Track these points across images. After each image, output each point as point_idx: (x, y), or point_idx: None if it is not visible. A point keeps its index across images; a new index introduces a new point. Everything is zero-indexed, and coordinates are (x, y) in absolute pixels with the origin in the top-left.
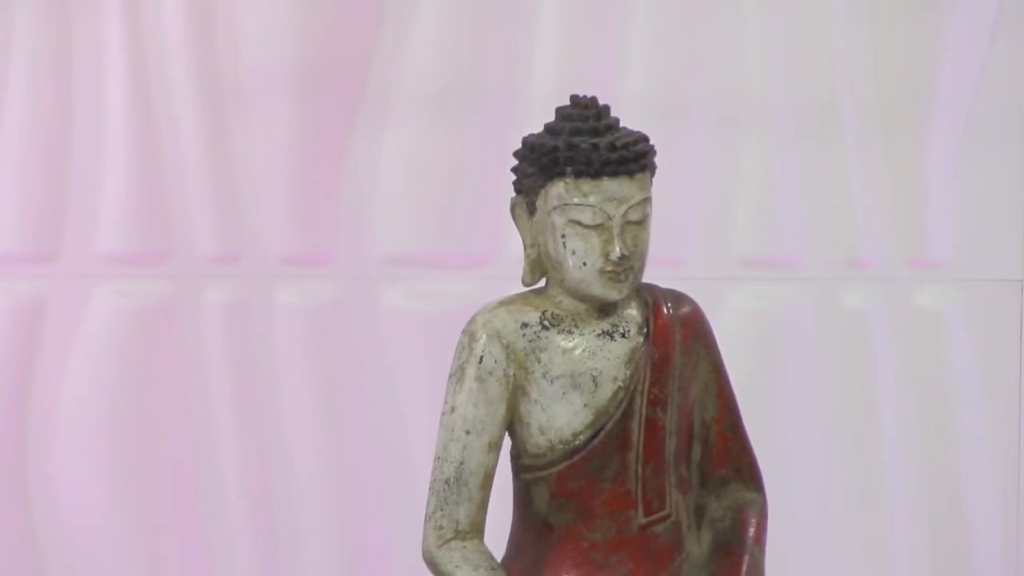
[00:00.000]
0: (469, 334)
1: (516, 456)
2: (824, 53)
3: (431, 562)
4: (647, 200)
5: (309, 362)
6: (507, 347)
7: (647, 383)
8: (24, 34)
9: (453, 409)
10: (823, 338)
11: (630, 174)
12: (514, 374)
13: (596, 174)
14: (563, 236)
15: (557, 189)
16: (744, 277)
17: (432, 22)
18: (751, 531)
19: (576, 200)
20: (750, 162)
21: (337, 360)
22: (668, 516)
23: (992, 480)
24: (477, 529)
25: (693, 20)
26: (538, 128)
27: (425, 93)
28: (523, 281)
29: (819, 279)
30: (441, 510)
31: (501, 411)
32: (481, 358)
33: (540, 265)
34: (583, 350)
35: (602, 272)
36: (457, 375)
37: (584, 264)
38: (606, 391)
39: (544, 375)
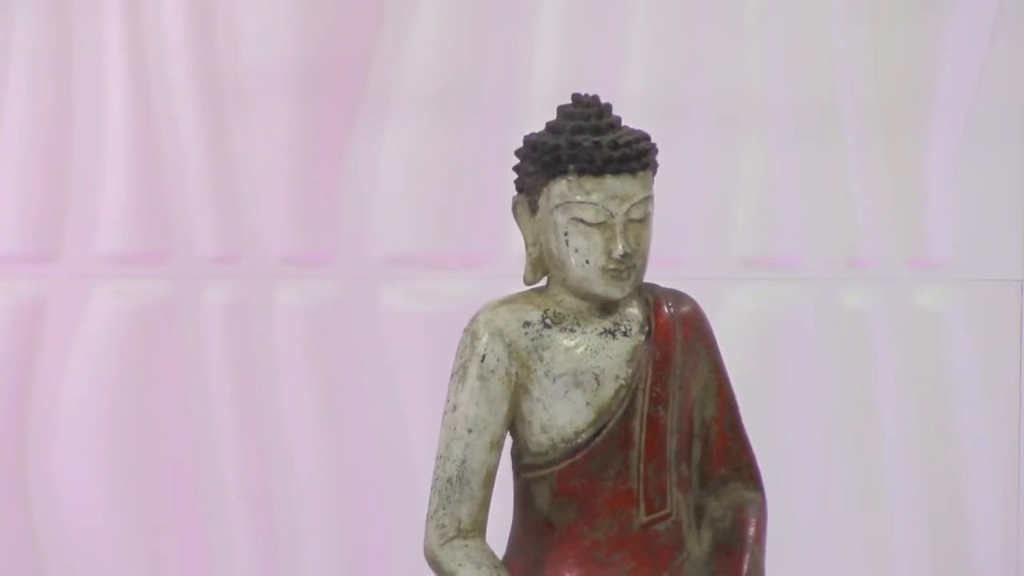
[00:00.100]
0: (471, 333)
1: (518, 455)
2: (824, 53)
3: (433, 561)
4: (649, 198)
5: (309, 362)
6: (509, 345)
7: (649, 381)
8: (24, 34)
9: (455, 408)
10: (823, 338)
11: (632, 172)
12: (516, 373)
13: (599, 172)
14: (566, 234)
15: (560, 187)
16: (744, 277)
17: (432, 22)
18: (751, 530)
19: (579, 198)
20: (750, 162)
21: (337, 360)
22: (669, 515)
23: (992, 480)
24: (479, 528)
25: (693, 20)
26: (538, 128)
27: (425, 93)
28: (525, 280)
29: (819, 279)
30: (443, 509)
31: (503, 410)
32: (483, 356)
33: (542, 264)
34: (585, 348)
35: (605, 270)
36: (459, 374)
37: (587, 262)
38: (608, 389)
39: (546, 374)
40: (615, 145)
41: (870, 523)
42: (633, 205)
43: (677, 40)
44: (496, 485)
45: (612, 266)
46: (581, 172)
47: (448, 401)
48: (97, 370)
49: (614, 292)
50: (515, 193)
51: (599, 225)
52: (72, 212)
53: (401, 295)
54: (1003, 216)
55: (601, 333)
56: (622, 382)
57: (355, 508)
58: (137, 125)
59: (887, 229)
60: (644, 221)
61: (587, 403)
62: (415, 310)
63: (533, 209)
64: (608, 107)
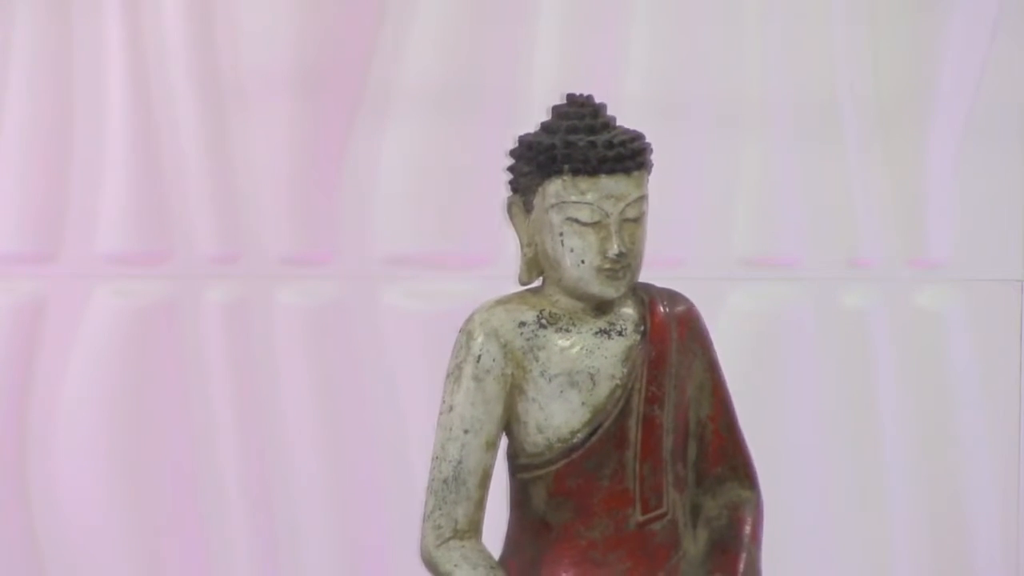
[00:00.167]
0: (466, 333)
1: (513, 455)
2: (824, 53)
3: (429, 562)
4: (644, 198)
5: (309, 362)
6: (504, 346)
7: (644, 381)
8: (24, 34)
9: (451, 408)
10: (823, 338)
11: (627, 172)
12: (512, 373)
13: (593, 171)
14: (560, 234)
15: (554, 187)
16: (744, 277)
17: (432, 22)
18: (747, 529)
19: (574, 198)
20: (750, 162)
21: (337, 360)
22: (665, 514)
23: (992, 480)
24: (475, 528)
25: (693, 20)
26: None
27: (425, 93)
28: (519, 280)
29: (819, 279)
30: (439, 510)
31: (499, 410)
32: (479, 357)
33: (536, 264)
34: (580, 348)
35: (600, 270)
36: (454, 374)
37: (582, 262)
38: (604, 389)
39: (542, 374)
40: (610, 145)
41: (870, 523)
42: (628, 205)
43: (677, 40)
44: (492, 485)
45: (607, 266)
46: (576, 172)
47: (444, 402)
48: (97, 370)
49: (609, 292)
50: (509, 193)
51: (594, 225)
52: (72, 212)
53: (401, 295)
54: (1003, 216)
55: (596, 333)
56: (617, 382)
57: (355, 508)
58: (137, 125)
59: (887, 229)
60: (639, 221)
61: (582, 403)
62: (415, 310)
63: (528, 209)
64: (603, 107)
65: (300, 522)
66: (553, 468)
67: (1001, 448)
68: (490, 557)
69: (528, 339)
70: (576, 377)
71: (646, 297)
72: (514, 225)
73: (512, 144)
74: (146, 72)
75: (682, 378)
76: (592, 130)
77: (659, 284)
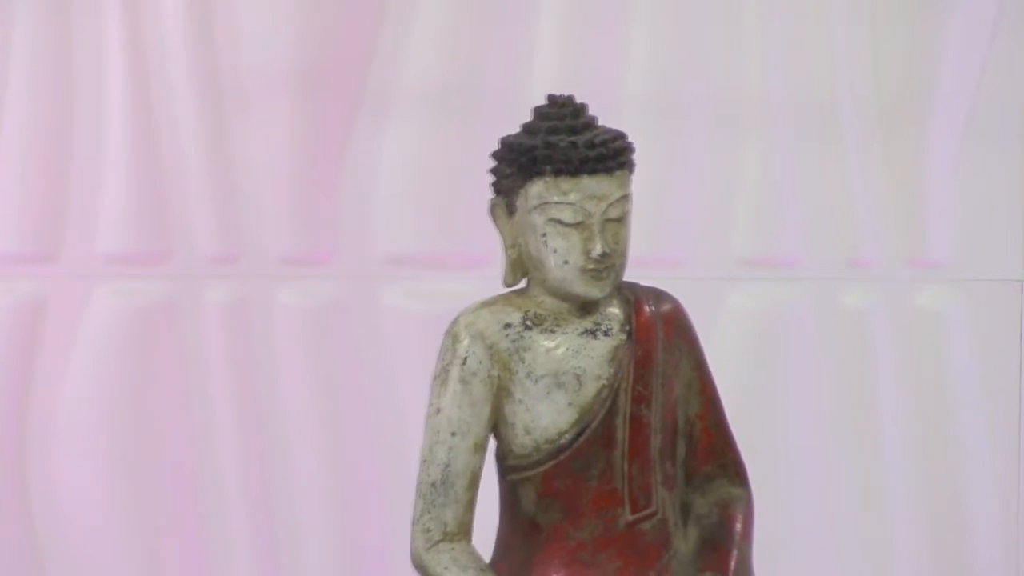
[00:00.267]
0: (452, 336)
1: (502, 457)
2: (824, 53)
3: (420, 565)
4: (627, 197)
5: (309, 362)
6: (490, 348)
7: (631, 380)
8: (24, 34)
9: (438, 411)
10: (823, 338)
11: (609, 171)
12: (498, 375)
13: (575, 172)
14: (544, 235)
15: (536, 188)
16: (744, 277)
17: (432, 22)
18: (738, 526)
19: (556, 198)
20: (750, 162)
21: (337, 360)
22: (655, 513)
23: (992, 480)
24: (465, 531)
25: (693, 20)
26: None
27: (425, 93)
28: (504, 282)
29: (819, 279)
30: (428, 513)
31: (486, 412)
32: (465, 359)
33: (521, 265)
34: (566, 349)
35: (583, 270)
36: (441, 377)
37: (566, 262)
38: (590, 389)
39: (528, 375)
40: (591, 144)
41: (870, 523)
42: (611, 204)
43: (677, 40)
44: (482, 487)
45: (591, 266)
46: (558, 172)
47: (431, 405)
48: (97, 370)
49: (593, 292)
50: (492, 195)
51: (577, 225)
52: (72, 212)
53: (401, 295)
54: (1003, 216)
55: (582, 333)
56: (604, 382)
57: (355, 508)
58: (137, 125)
59: (887, 229)
60: (622, 220)
61: (569, 403)
62: (415, 310)
63: (511, 211)
64: (584, 106)
65: (300, 522)
66: (541, 469)
67: (1001, 448)
68: (480, 559)
69: (514, 341)
70: (562, 378)
71: (631, 296)
72: (497, 227)
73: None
74: (146, 72)
75: (669, 377)
76: (573, 130)
77: (659, 284)
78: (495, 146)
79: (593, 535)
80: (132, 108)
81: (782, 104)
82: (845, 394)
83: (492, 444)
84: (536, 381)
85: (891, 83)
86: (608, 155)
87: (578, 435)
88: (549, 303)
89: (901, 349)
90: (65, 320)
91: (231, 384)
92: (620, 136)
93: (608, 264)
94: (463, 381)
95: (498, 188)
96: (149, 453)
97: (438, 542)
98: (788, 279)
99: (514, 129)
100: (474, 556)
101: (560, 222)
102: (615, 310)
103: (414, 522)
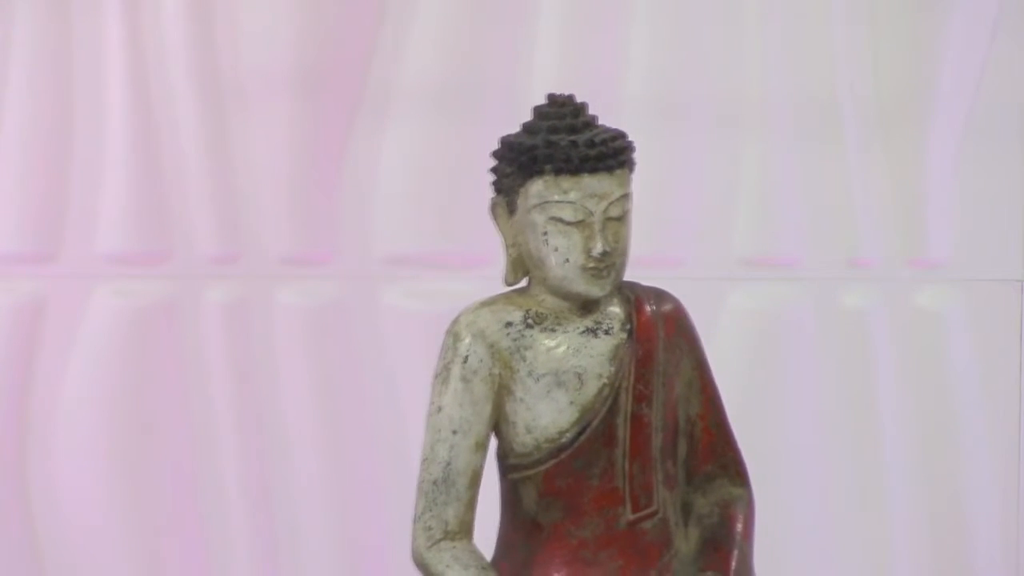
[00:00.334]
0: (453, 334)
1: (503, 456)
2: (824, 53)
3: (421, 564)
4: (627, 196)
5: (309, 362)
6: (491, 346)
7: (632, 379)
8: (24, 33)
9: (439, 409)
10: (823, 338)
11: (609, 170)
12: (499, 373)
13: (576, 171)
14: (544, 234)
15: (537, 187)
16: (744, 277)
17: (432, 22)
18: (739, 526)
19: (556, 197)
20: (750, 162)
21: (337, 360)
22: (656, 512)
23: (992, 480)
24: (466, 529)
25: (693, 20)
26: None
27: (425, 93)
28: (505, 281)
29: (819, 279)
30: (430, 511)
31: (487, 410)
32: (466, 358)
33: (522, 264)
34: (567, 348)
35: (584, 269)
36: (442, 375)
37: (566, 261)
38: (591, 388)
39: (529, 374)
40: (591, 143)
41: (870, 523)
42: (611, 203)
43: (677, 40)
44: (482, 486)
45: (591, 265)
46: (558, 171)
47: (432, 403)
48: (97, 370)
49: (594, 291)
50: (493, 194)
51: (577, 224)
52: (72, 212)
53: (401, 295)
54: (1003, 216)
55: (583, 332)
56: (605, 381)
57: (355, 508)
58: (137, 125)
59: (887, 229)
60: (623, 219)
61: (570, 402)
62: (415, 310)
63: (511, 210)
64: (584, 106)
65: (300, 522)
66: (542, 468)
67: (1001, 448)
68: (481, 558)
69: (515, 339)
70: (563, 377)
71: (632, 296)
72: (498, 226)
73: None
74: (146, 72)
75: (670, 376)
76: (573, 129)
77: (659, 284)
78: (495, 146)
79: (594, 534)
80: (132, 108)
81: (782, 104)
82: (845, 394)
83: (493, 443)
84: (537, 380)
85: (891, 83)
86: (608, 154)
87: (579, 434)
88: (550, 302)
89: (901, 349)
90: (65, 320)
91: (231, 384)
92: (620, 135)
93: (609, 263)
94: (464, 379)
95: (499, 187)
96: (149, 453)
97: (439, 540)
98: (788, 279)
99: (514, 129)
100: (475, 554)
101: (561, 221)
102: (616, 309)
103: (415, 520)
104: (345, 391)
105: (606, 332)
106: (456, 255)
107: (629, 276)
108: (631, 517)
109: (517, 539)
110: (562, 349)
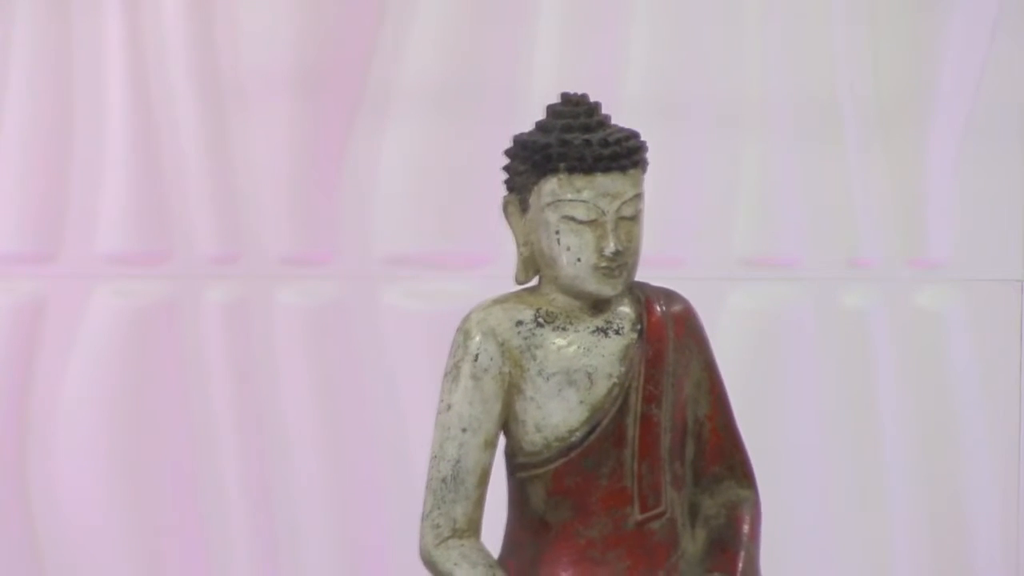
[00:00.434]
0: (464, 332)
1: (511, 454)
2: (824, 53)
3: (429, 561)
4: (640, 196)
5: (309, 362)
6: (502, 345)
7: (642, 379)
8: (24, 33)
9: (449, 407)
10: (823, 338)
11: (623, 170)
12: (509, 372)
13: (589, 170)
14: (557, 232)
15: (550, 186)
16: (744, 277)
17: (432, 22)
18: (746, 528)
19: (569, 196)
20: (750, 162)
21: (337, 360)
22: (664, 513)
23: (992, 480)
24: (474, 527)
25: (693, 20)
26: None
27: (425, 93)
28: (516, 279)
29: (819, 279)
30: (438, 509)
31: (497, 409)
32: (476, 356)
33: (533, 263)
34: (578, 347)
35: (596, 268)
36: (452, 373)
37: (578, 260)
38: (601, 388)
39: (539, 372)
40: (605, 143)
41: (870, 523)
42: (624, 203)
43: (677, 40)
44: (491, 485)
45: (604, 264)
46: (571, 170)
47: (442, 401)
48: (97, 370)
49: (606, 290)
50: (505, 193)
51: (590, 223)
52: (72, 212)
53: (401, 295)
54: (1003, 216)
55: (593, 331)
56: (615, 380)
57: (355, 508)
58: (137, 125)
59: (887, 229)
60: (635, 219)
61: (580, 401)
62: (415, 310)
63: (524, 208)
64: (597, 105)
65: (300, 522)
66: (551, 467)
67: (1001, 448)
68: (489, 556)
69: (525, 338)
70: (574, 376)
71: (642, 296)
72: (510, 224)
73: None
74: (146, 72)
75: (679, 377)
76: (587, 128)
77: (659, 284)
78: (495, 146)
79: (602, 534)
80: (132, 108)
81: (782, 104)
82: (845, 394)
83: (502, 441)
84: (547, 379)
85: (891, 83)
86: (622, 153)
87: (589, 433)
88: (561, 301)
89: (901, 349)
90: (65, 320)
91: (231, 384)
92: (634, 135)
93: (621, 262)
94: (474, 377)
95: (511, 185)
96: (149, 453)
97: (447, 538)
98: (788, 279)
99: (514, 129)
100: (483, 552)
101: (573, 219)
102: (626, 309)
103: (423, 518)
104: (345, 391)
105: (616, 332)
106: (456, 255)
107: None
108: (639, 517)
109: (524, 538)
110: (573, 348)
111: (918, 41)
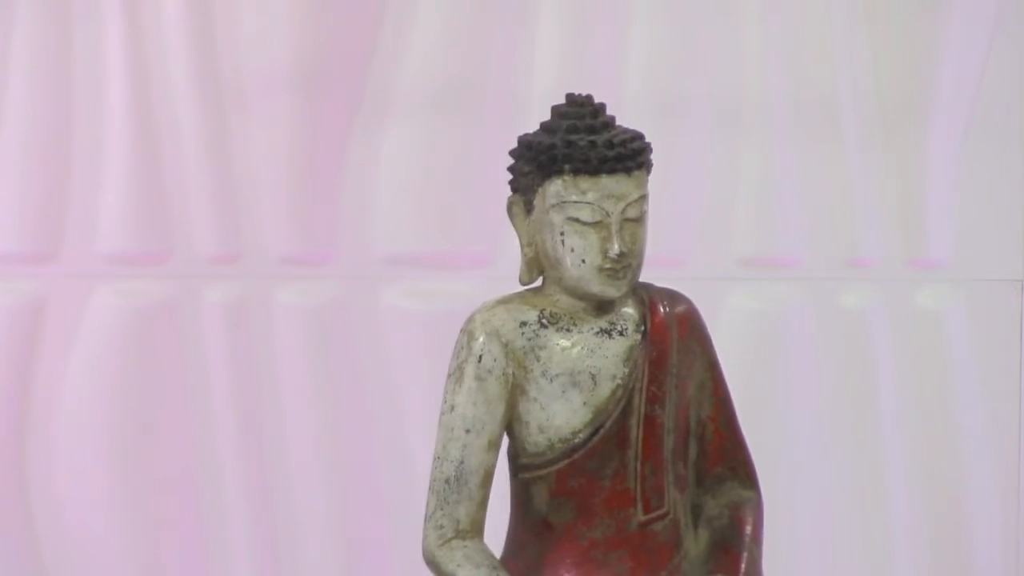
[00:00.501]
0: (468, 333)
1: (514, 455)
2: (824, 53)
3: (432, 562)
4: (644, 197)
5: (309, 362)
6: (506, 346)
7: (645, 381)
8: (24, 34)
9: (452, 408)
10: (823, 338)
11: (628, 171)
12: (513, 373)
13: (594, 171)
14: (562, 234)
15: (555, 187)
16: (744, 277)
17: (432, 22)
18: (748, 528)
19: (574, 197)
20: (750, 162)
21: (337, 360)
22: (667, 514)
23: (992, 480)
24: (477, 528)
25: (693, 20)
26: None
27: (425, 93)
28: (520, 280)
29: (819, 279)
30: (441, 509)
31: (501, 410)
32: (480, 357)
33: (537, 264)
34: (581, 348)
35: (601, 269)
36: (456, 374)
37: (583, 261)
38: (605, 389)
39: (543, 374)
40: (610, 144)
41: (870, 523)
42: (629, 204)
43: (677, 40)
44: (493, 485)
45: (608, 265)
46: (577, 172)
47: (445, 402)
48: (97, 370)
49: (610, 291)
50: (510, 193)
51: (595, 224)
52: (72, 212)
53: (401, 295)
54: (1003, 216)
55: (597, 333)
56: (619, 382)
57: (355, 508)
58: (137, 125)
59: (887, 229)
60: (640, 220)
61: (584, 403)
62: (415, 310)
63: (528, 209)
64: (602, 106)
65: (300, 522)
66: (555, 468)
67: (1001, 448)
68: (493, 557)
69: (529, 339)
70: (577, 377)
71: (646, 297)
72: (514, 225)
73: (512, 144)
74: (146, 72)
75: (683, 378)
76: (592, 130)
77: (659, 284)
78: (495, 146)
79: (605, 535)
80: (132, 108)
81: (782, 104)
82: (845, 394)
83: (505, 442)
84: (551, 380)
85: (891, 83)
86: (627, 155)
87: (592, 434)
88: (565, 302)
89: (901, 349)
90: (65, 320)
91: (231, 384)
92: (639, 136)
93: (625, 264)
94: (478, 378)
95: (516, 186)
96: (149, 453)
97: (451, 539)
98: (788, 279)
99: (514, 129)
100: (487, 553)
101: (578, 221)
102: (630, 310)
103: (427, 519)
104: (345, 391)
105: (620, 333)
106: (456, 255)
107: None
108: (642, 518)
109: (527, 539)
110: (577, 350)
111: (918, 41)
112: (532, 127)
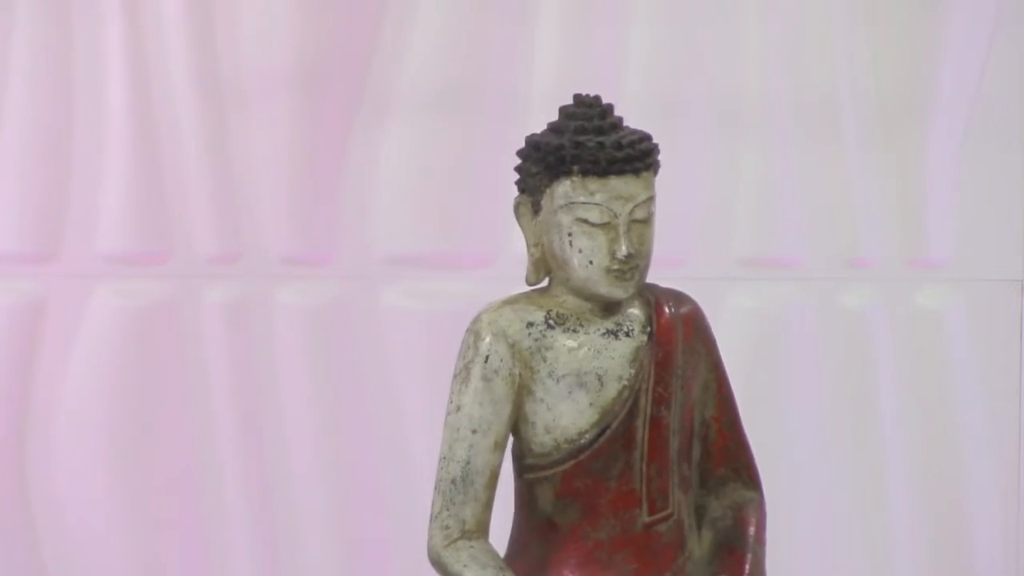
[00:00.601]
0: (474, 333)
1: (520, 456)
2: (824, 53)
3: (438, 562)
4: (652, 199)
5: (309, 362)
6: (512, 346)
7: (651, 382)
8: (24, 34)
9: (459, 408)
10: (823, 338)
11: (636, 172)
12: (519, 373)
13: (603, 172)
14: (569, 235)
15: (563, 188)
16: (744, 277)
17: (432, 22)
18: (752, 529)
19: (583, 198)
20: (750, 162)
21: (337, 360)
22: (671, 515)
23: (992, 480)
24: (483, 528)
25: (693, 20)
26: (538, 128)
27: (425, 93)
28: (527, 280)
29: (819, 279)
30: (447, 510)
31: (507, 410)
32: (487, 357)
33: (544, 264)
34: (588, 349)
35: (608, 270)
36: (462, 375)
37: (591, 263)
38: (611, 390)
39: (549, 374)
40: (619, 146)
41: (870, 523)
42: (636, 205)
43: (677, 40)
44: (498, 486)
45: (616, 267)
46: (585, 173)
47: (451, 402)
48: (97, 370)
49: (618, 293)
50: (517, 193)
51: (603, 226)
52: (72, 212)
53: (401, 295)
54: (1003, 216)
55: (604, 334)
56: (625, 383)
57: (355, 508)
58: (137, 125)
59: (887, 229)
60: (647, 221)
61: (590, 404)
62: (415, 310)
63: (536, 210)
64: (610, 107)
65: (300, 522)
66: (560, 469)
67: (1001, 448)
68: (499, 557)
69: (536, 339)
70: (584, 378)
71: (652, 298)
72: (521, 225)
73: (516, 144)
74: (146, 72)
75: (688, 379)
76: (600, 131)
77: (659, 284)
78: (495, 146)
79: (610, 535)
80: (132, 108)
81: (782, 104)
82: (845, 394)
83: (510, 442)
84: (558, 380)
85: (891, 83)
86: (635, 156)
87: (599, 435)
88: (571, 303)
89: (901, 349)
90: (65, 320)
91: (231, 384)
92: (647, 137)
93: (633, 265)
94: (485, 379)
95: (523, 186)
96: (149, 453)
97: (457, 539)
98: (788, 279)
99: (514, 129)
100: (492, 554)
101: (586, 222)
102: (636, 311)
103: (432, 519)
104: (345, 391)
105: (627, 334)
106: (456, 255)
107: None
108: (647, 519)
109: (531, 539)
110: (583, 350)
111: (918, 41)
112: (532, 127)
